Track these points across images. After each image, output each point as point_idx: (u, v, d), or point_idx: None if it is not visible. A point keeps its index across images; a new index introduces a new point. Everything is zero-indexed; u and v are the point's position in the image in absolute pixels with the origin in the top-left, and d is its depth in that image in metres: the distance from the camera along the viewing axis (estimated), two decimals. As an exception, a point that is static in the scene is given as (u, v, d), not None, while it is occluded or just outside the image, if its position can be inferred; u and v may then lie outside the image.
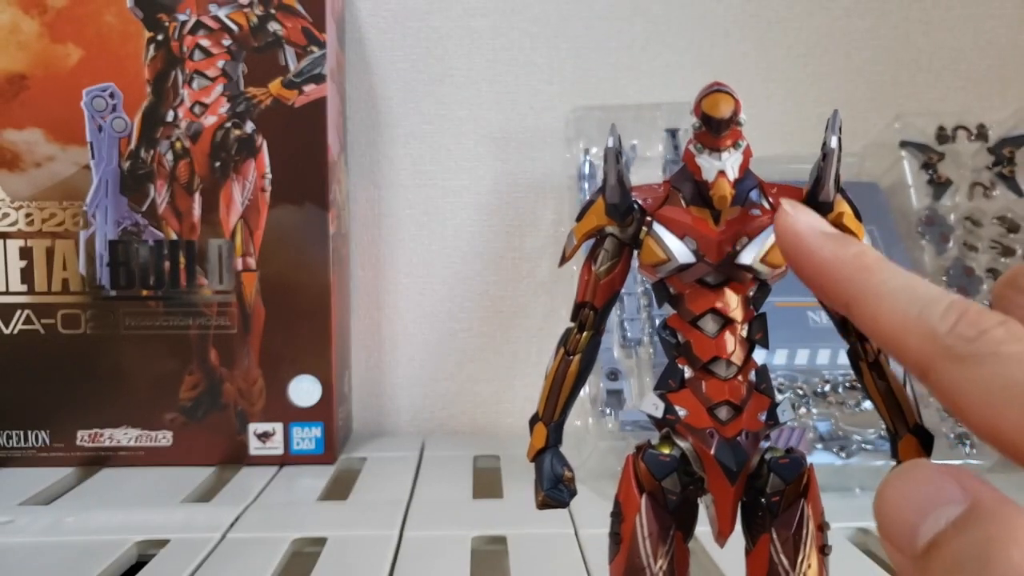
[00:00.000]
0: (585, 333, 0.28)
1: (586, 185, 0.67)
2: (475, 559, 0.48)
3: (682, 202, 0.27)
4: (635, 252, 0.28)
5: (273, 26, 0.63)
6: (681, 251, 0.26)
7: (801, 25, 0.78)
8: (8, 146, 0.63)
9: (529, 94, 0.78)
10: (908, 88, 0.80)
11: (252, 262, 0.64)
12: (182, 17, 0.63)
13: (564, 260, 0.29)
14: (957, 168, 0.71)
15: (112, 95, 0.63)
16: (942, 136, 0.72)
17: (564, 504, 0.28)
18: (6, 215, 0.63)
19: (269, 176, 0.64)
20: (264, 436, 0.65)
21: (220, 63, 0.63)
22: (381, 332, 0.78)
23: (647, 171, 0.66)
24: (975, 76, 0.80)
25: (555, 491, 0.28)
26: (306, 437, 0.65)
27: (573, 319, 0.29)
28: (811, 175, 0.26)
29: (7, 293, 0.63)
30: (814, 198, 0.26)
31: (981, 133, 0.71)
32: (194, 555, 0.47)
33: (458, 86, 0.77)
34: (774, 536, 0.26)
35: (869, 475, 0.57)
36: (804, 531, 0.25)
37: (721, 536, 0.26)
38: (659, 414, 0.27)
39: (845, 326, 0.27)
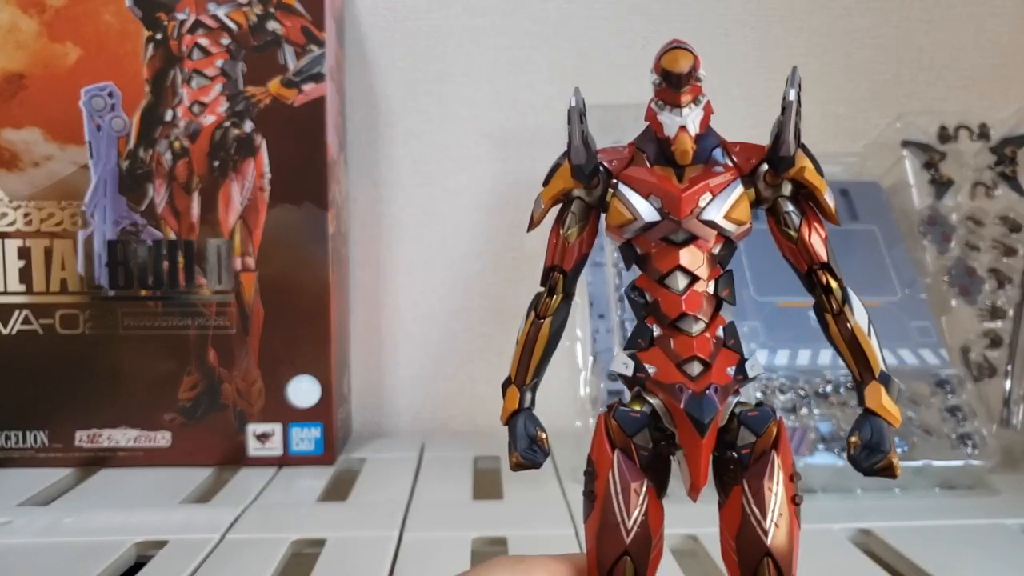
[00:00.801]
0: (555, 296, 0.29)
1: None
2: (475, 560, 0.47)
3: (646, 162, 0.28)
4: (602, 216, 0.28)
5: (272, 25, 0.63)
6: (647, 210, 0.27)
7: (802, 24, 0.78)
8: (6, 145, 0.63)
9: (529, 93, 0.77)
10: (910, 87, 0.80)
11: (251, 262, 0.64)
12: (181, 16, 0.63)
13: (532, 225, 0.29)
14: (959, 167, 0.71)
15: (111, 94, 0.62)
16: (944, 135, 0.72)
17: (538, 464, 0.28)
18: (4, 215, 0.63)
19: (268, 175, 0.63)
20: (263, 437, 0.65)
21: (219, 62, 0.63)
22: (381, 332, 0.78)
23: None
24: (977, 75, 0.80)
25: (529, 451, 0.28)
26: (305, 438, 0.65)
27: (543, 283, 0.29)
28: (772, 132, 0.27)
29: (5, 293, 0.63)
30: (775, 154, 0.26)
31: (983, 132, 0.71)
32: (193, 556, 0.47)
33: (458, 85, 0.77)
34: (746, 488, 0.26)
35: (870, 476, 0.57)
36: (775, 482, 0.26)
37: (694, 490, 0.27)
38: (629, 372, 0.27)
39: (809, 279, 0.28)
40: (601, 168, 0.28)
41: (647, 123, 0.28)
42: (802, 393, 0.60)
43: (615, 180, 0.28)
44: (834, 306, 0.27)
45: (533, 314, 0.29)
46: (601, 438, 0.27)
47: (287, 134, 0.63)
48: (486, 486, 0.63)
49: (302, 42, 0.63)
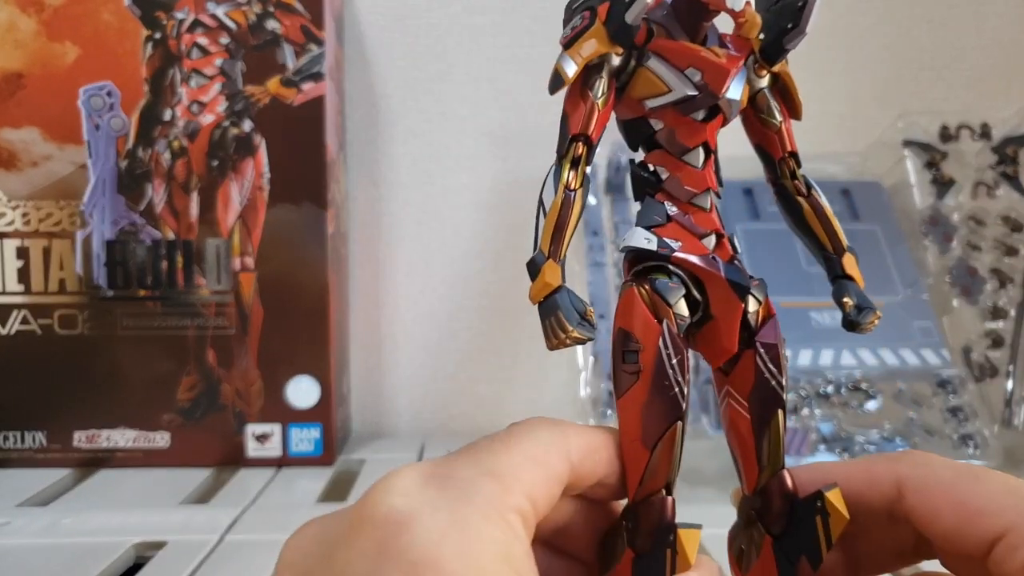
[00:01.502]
0: (581, 169, 0.28)
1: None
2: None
3: (667, 36, 0.27)
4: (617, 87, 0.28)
5: (271, 24, 0.63)
6: (682, 82, 0.27)
7: (803, 23, 0.78)
8: (5, 145, 0.62)
9: (530, 92, 0.77)
10: (911, 87, 0.79)
11: (250, 262, 0.64)
12: (180, 15, 0.62)
13: (561, 86, 0.27)
14: (960, 167, 0.71)
15: (110, 94, 0.62)
16: (945, 135, 0.71)
17: (593, 338, 0.27)
18: (3, 215, 0.63)
19: (267, 175, 0.63)
20: (262, 437, 0.65)
21: (218, 61, 0.63)
22: (380, 332, 0.78)
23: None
24: (979, 75, 0.79)
25: (583, 326, 0.26)
26: (304, 438, 0.65)
27: (563, 154, 0.28)
28: (767, 23, 0.27)
29: (4, 293, 0.63)
30: (780, 43, 0.27)
31: (985, 132, 0.71)
32: (192, 557, 0.47)
33: (458, 84, 0.77)
34: (759, 348, 0.27)
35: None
36: (780, 340, 0.27)
37: (725, 355, 0.27)
38: (653, 247, 0.27)
39: (779, 168, 0.29)
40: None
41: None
42: (803, 394, 0.60)
43: (641, 51, 0.27)
44: (803, 189, 0.29)
45: (563, 188, 0.27)
46: (639, 307, 0.27)
47: (286, 133, 0.63)
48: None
49: (301, 41, 0.63)
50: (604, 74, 0.27)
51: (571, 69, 0.27)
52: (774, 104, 0.29)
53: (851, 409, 0.59)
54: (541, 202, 0.28)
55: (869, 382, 0.61)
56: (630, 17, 0.26)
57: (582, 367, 0.62)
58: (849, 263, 0.29)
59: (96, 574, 0.45)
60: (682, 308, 0.27)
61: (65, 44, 0.62)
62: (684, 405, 0.26)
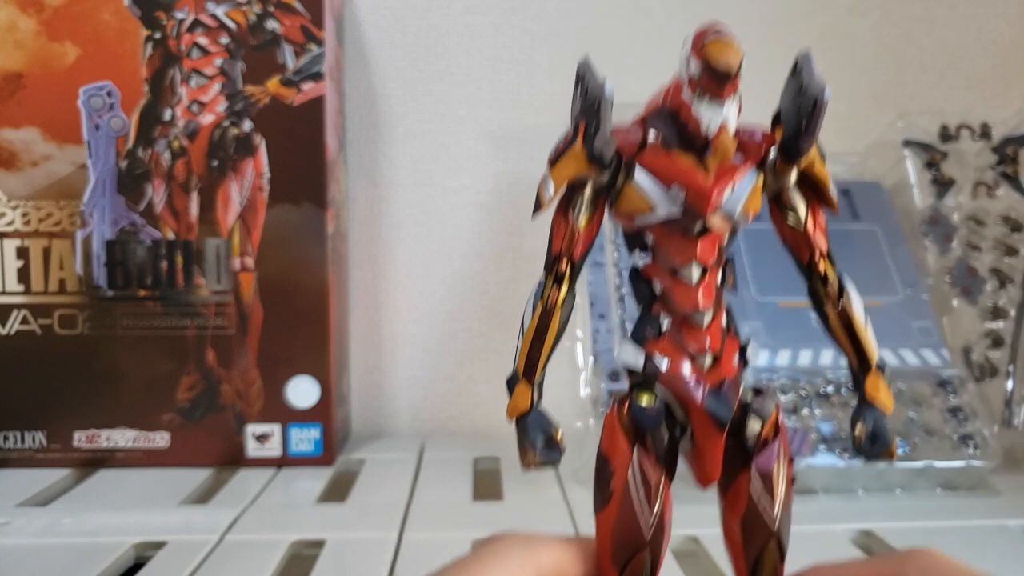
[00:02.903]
0: (563, 287, 0.27)
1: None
2: (475, 562, 0.47)
3: (663, 146, 0.26)
4: (608, 200, 0.27)
5: (271, 24, 0.63)
6: (667, 201, 0.26)
7: (803, 24, 0.78)
8: (5, 145, 0.62)
9: (530, 92, 0.77)
10: (911, 87, 0.79)
11: (250, 262, 0.64)
12: (180, 15, 0.62)
13: (540, 209, 0.27)
14: (960, 167, 0.71)
15: (110, 94, 0.62)
16: (945, 135, 0.71)
17: (555, 464, 0.27)
18: (3, 215, 0.63)
19: (267, 175, 0.63)
20: (262, 437, 0.65)
21: (218, 61, 0.63)
22: (380, 332, 0.78)
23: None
24: (979, 75, 0.79)
25: (546, 451, 0.27)
26: (304, 438, 0.65)
27: (548, 271, 0.27)
28: (787, 122, 0.26)
29: (4, 293, 0.63)
30: (795, 147, 0.25)
31: (984, 132, 0.71)
32: (192, 557, 0.47)
33: (458, 84, 0.77)
34: (755, 474, 0.26)
35: (872, 477, 0.57)
36: (779, 467, 0.26)
37: (708, 481, 0.27)
38: (640, 364, 0.27)
39: (809, 269, 0.27)
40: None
41: (657, 104, 0.27)
42: (803, 394, 0.60)
43: (630, 164, 0.26)
44: (832, 295, 0.27)
45: (542, 305, 0.27)
46: (615, 433, 0.27)
47: (286, 133, 0.63)
48: (486, 487, 0.63)
49: (301, 41, 0.63)
50: (587, 193, 0.27)
51: (548, 192, 0.27)
52: (800, 204, 0.27)
53: (851, 409, 0.59)
54: (523, 320, 0.28)
55: (869, 382, 0.61)
56: (596, 147, 0.26)
57: (582, 367, 0.62)
58: (873, 385, 0.27)
59: (96, 574, 0.45)
60: (660, 434, 0.26)
61: (65, 44, 0.62)
62: (649, 535, 0.26)
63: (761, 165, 0.26)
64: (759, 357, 0.28)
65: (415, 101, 0.77)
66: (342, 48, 0.73)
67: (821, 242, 0.27)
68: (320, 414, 0.65)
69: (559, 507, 0.55)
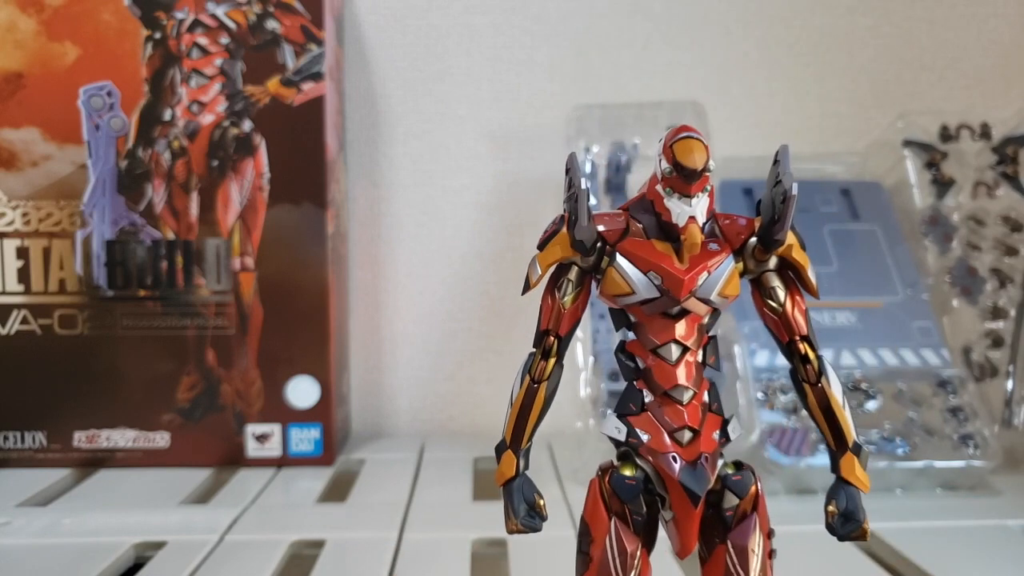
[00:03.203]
0: (551, 360, 0.29)
1: (587, 184, 0.67)
2: (475, 562, 0.47)
3: (644, 234, 0.28)
4: (596, 278, 0.29)
5: (271, 24, 0.63)
6: (645, 285, 0.28)
7: (804, 23, 0.78)
8: (5, 145, 0.62)
9: (530, 92, 0.77)
10: (911, 87, 0.79)
11: (250, 262, 0.64)
12: (180, 15, 0.62)
13: (528, 289, 0.29)
14: (960, 167, 0.71)
15: (109, 94, 0.62)
16: (945, 135, 0.71)
17: (536, 530, 0.29)
18: (3, 215, 0.63)
19: (267, 175, 0.63)
20: (262, 438, 0.65)
21: (218, 61, 0.63)
22: (380, 332, 0.78)
23: (649, 170, 0.65)
24: (979, 75, 0.79)
25: (528, 518, 0.28)
26: (304, 438, 0.65)
27: (536, 345, 0.29)
28: (764, 212, 0.27)
29: (4, 293, 0.63)
30: (769, 235, 0.27)
31: (984, 132, 0.71)
32: (192, 557, 0.47)
33: (458, 84, 0.77)
34: (730, 548, 0.27)
35: (872, 477, 0.57)
36: (755, 542, 0.27)
37: (684, 552, 0.28)
38: (622, 437, 0.28)
39: (789, 349, 0.29)
40: (596, 234, 0.28)
41: (641, 194, 0.28)
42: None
43: (611, 249, 0.28)
44: (811, 377, 0.29)
45: (528, 378, 0.29)
46: (596, 502, 0.28)
47: (286, 133, 0.63)
48: (486, 487, 0.63)
49: (301, 41, 0.63)
50: (573, 275, 0.29)
51: (535, 275, 0.29)
52: (778, 287, 0.29)
53: (851, 409, 0.59)
54: (512, 390, 0.29)
55: (869, 382, 0.61)
56: (577, 235, 0.28)
57: (582, 367, 0.62)
58: (848, 466, 0.28)
59: (96, 574, 0.45)
60: (638, 505, 0.28)
61: (65, 44, 0.62)
62: None
63: (740, 251, 0.28)
64: (738, 429, 0.29)
65: (415, 101, 0.77)
66: (342, 48, 0.73)
67: (800, 325, 0.29)
68: (320, 414, 0.65)
69: (559, 507, 0.55)
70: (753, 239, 0.28)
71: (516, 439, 0.29)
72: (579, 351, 0.63)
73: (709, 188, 0.27)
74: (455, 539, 0.50)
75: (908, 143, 0.71)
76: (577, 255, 0.28)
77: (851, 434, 0.28)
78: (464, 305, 0.78)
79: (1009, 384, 0.66)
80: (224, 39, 0.63)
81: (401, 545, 0.49)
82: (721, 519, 0.28)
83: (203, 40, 0.63)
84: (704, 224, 0.28)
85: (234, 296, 0.64)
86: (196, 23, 0.63)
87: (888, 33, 0.79)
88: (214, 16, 0.63)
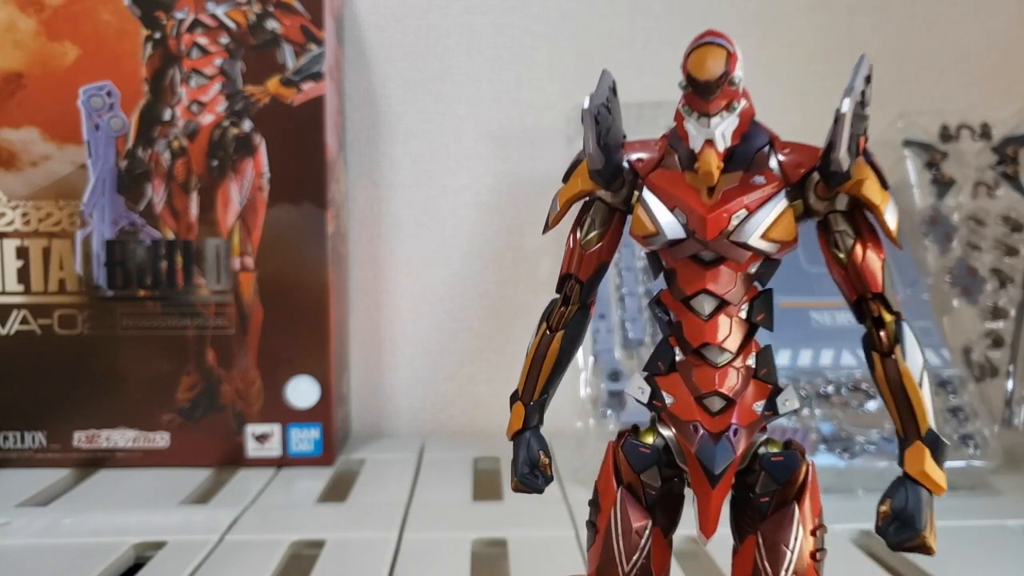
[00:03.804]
0: (570, 307, 0.26)
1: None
2: (475, 562, 0.47)
3: (678, 165, 0.24)
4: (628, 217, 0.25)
5: (271, 24, 0.63)
6: (671, 225, 0.24)
7: (804, 23, 0.78)
8: (5, 145, 0.62)
9: (530, 92, 0.77)
10: (911, 86, 0.79)
11: (250, 262, 0.64)
12: (180, 15, 0.62)
13: (547, 228, 0.26)
14: (961, 167, 0.71)
15: (109, 93, 0.62)
16: (945, 135, 0.71)
17: (539, 490, 0.26)
18: (2, 215, 0.63)
19: (267, 175, 0.63)
20: (262, 438, 0.65)
21: (218, 61, 0.63)
22: (380, 332, 0.78)
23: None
24: (979, 74, 0.79)
25: (529, 476, 0.26)
26: (304, 438, 0.65)
27: (558, 291, 0.26)
28: (826, 140, 0.23)
29: (3, 293, 0.63)
30: (826, 167, 0.23)
31: (985, 132, 0.71)
32: (192, 557, 0.47)
33: (458, 84, 0.77)
34: (760, 540, 0.23)
35: (872, 477, 0.57)
36: (793, 537, 0.23)
37: (706, 533, 0.25)
38: (645, 399, 0.25)
39: (860, 309, 0.24)
40: (627, 165, 0.25)
41: (675, 122, 0.24)
42: (803, 394, 0.60)
43: (642, 183, 0.24)
44: (884, 344, 0.24)
45: (544, 326, 0.26)
46: (608, 470, 0.25)
47: (286, 133, 0.63)
48: (486, 487, 0.63)
49: (301, 41, 0.63)
50: (597, 212, 0.25)
51: (554, 211, 0.26)
52: (846, 232, 0.24)
53: (851, 409, 0.59)
54: (530, 339, 0.27)
55: (869, 382, 0.61)
56: (589, 164, 0.24)
57: (582, 367, 0.62)
58: (915, 459, 0.23)
59: (96, 574, 0.45)
60: (651, 476, 0.24)
61: (65, 44, 0.62)
62: None
63: (800, 185, 0.24)
64: (794, 403, 0.24)
65: (415, 101, 0.77)
66: (342, 48, 0.73)
67: (873, 279, 0.24)
68: (320, 414, 0.65)
69: (559, 507, 0.55)
70: (815, 174, 0.23)
71: (528, 391, 0.26)
72: (579, 350, 0.63)
73: (739, 107, 0.23)
74: (455, 539, 0.50)
75: (908, 143, 0.71)
76: (599, 187, 0.25)
77: (927, 420, 0.23)
78: (464, 305, 0.78)
79: (1009, 384, 0.66)
80: (224, 39, 0.63)
81: (401, 545, 0.49)
82: (756, 506, 0.24)
83: (203, 40, 0.63)
84: (756, 151, 0.23)
85: (234, 296, 0.64)
86: (196, 23, 0.63)
87: (888, 32, 0.79)
88: (214, 16, 0.63)
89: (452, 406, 0.79)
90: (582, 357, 0.62)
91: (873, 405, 0.60)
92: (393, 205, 0.78)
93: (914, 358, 0.23)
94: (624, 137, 0.25)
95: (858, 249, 0.24)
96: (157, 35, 0.62)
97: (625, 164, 0.25)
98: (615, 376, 0.60)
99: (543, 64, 0.77)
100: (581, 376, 0.62)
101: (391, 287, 0.78)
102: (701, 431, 0.23)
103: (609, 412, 0.59)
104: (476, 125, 0.77)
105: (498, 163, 0.77)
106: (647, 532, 0.24)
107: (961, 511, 0.54)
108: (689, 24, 0.80)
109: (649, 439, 0.25)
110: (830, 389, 0.60)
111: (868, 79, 0.23)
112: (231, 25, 0.63)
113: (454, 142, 0.77)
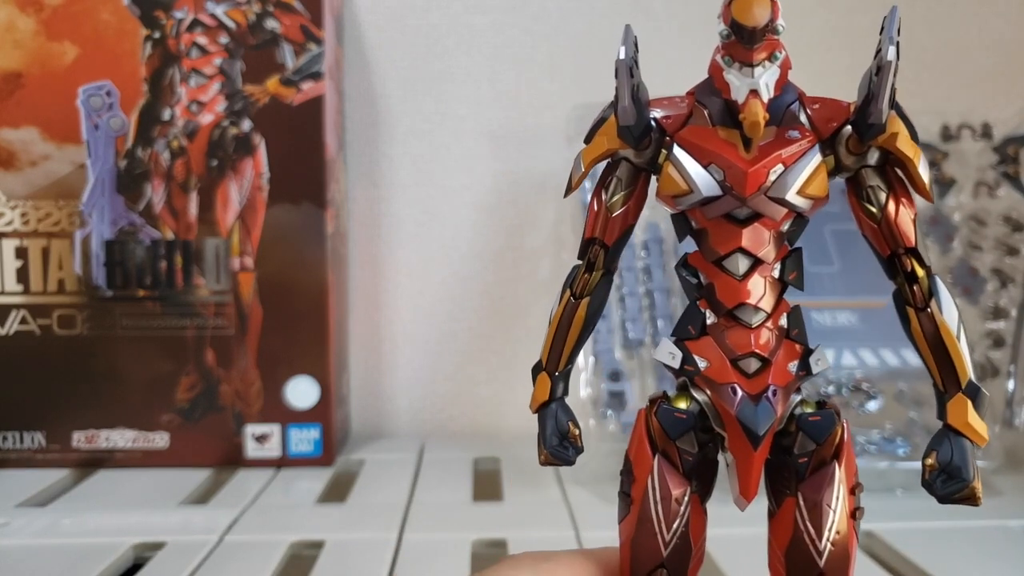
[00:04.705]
0: (594, 273, 0.25)
1: (587, 184, 0.67)
2: (475, 562, 0.47)
3: (708, 120, 0.24)
4: (653, 178, 0.25)
5: (271, 23, 0.63)
6: (706, 182, 0.23)
7: (803, 23, 0.78)
8: (4, 145, 0.62)
9: (529, 92, 0.77)
10: (912, 86, 0.79)
11: (249, 262, 0.63)
12: (179, 14, 0.62)
13: (570, 189, 0.25)
14: (961, 167, 0.70)
15: (109, 93, 0.62)
16: (946, 135, 0.71)
17: (570, 462, 0.25)
18: (2, 215, 0.63)
19: (266, 175, 0.63)
20: (261, 438, 0.64)
21: (217, 61, 0.63)
22: (380, 333, 0.78)
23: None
24: (980, 74, 0.79)
25: (559, 448, 0.25)
26: (304, 439, 0.65)
27: (581, 257, 0.26)
28: (860, 91, 0.23)
29: (3, 294, 0.63)
30: (863, 119, 0.23)
31: (985, 132, 0.71)
32: (191, 558, 0.47)
33: (458, 84, 0.77)
34: (800, 501, 0.23)
35: (873, 477, 0.57)
36: (834, 496, 0.23)
37: (743, 499, 0.24)
38: (676, 364, 0.24)
39: (891, 265, 0.24)
40: (653, 124, 0.24)
41: (709, 75, 0.24)
42: (804, 394, 0.59)
43: (670, 140, 0.24)
44: (918, 298, 0.23)
45: (568, 292, 0.25)
46: (641, 438, 0.24)
47: (286, 133, 0.63)
48: (486, 488, 0.62)
49: (301, 40, 0.63)
50: (623, 172, 0.25)
51: (577, 172, 0.25)
52: (879, 187, 0.23)
53: (852, 409, 0.59)
54: (551, 309, 0.26)
55: (870, 382, 0.61)
56: (621, 121, 0.23)
57: (582, 367, 0.62)
58: (958, 411, 0.23)
59: (95, 575, 0.45)
60: (688, 443, 0.24)
61: (64, 44, 0.62)
62: (667, 553, 0.23)
63: (832, 142, 0.23)
64: (825, 362, 0.24)
65: (415, 101, 0.77)
66: (342, 48, 0.73)
67: (906, 233, 0.23)
68: (320, 414, 0.65)
69: (559, 507, 0.55)
70: (848, 129, 0.23)
71: (553, 361, 0.25)
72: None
73: (780, 57, 0.23)
74: (455, 539, 0.50)
75: (909, 143, 0.71)
76: (626, 146, 0.24)
77: (967, 371, 0.23)
78: (464, 305, 0.78)
79: (1010, 384, 0.66)
80: (223, 38, 0.63)
81: (401, 545, 0.49)
82: (793, 467, 0.23)
83: (202, 39, 0.63)
84: (788, 107, 0.23)
85: (233, 296, 0.64)
86: (195, 22, 0.63)
87: (888, 33, 0.79)
88: (213, 15, 0.63)
89: (452, 406, 0.78)
90: (582, 357, 0.62)
91: (874, 405, 0.60)
92: (393, 205, 0.77)
93: (950, 311, 0.23)
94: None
95: (891, 204, 0.23)
96: (156, 35, 0.62)
97: (652, 122, 0.24)
98: (615, 376, 0.60)
99: (543, 64, 0.77)
100: (581, 376, 0.62)
101: (391, 287, 0.78)
102: (740, 393, 0.23)
103: (609, 412, 0.59)
104: (476, 125, 0.77)
105: (498, 163, 0.77)
106: (686, 499, 0.24)
107: (961, 511, 0.54)
108: (689, 24, 0.80)
109: (682, 404, 0.24)
110: (831, 389, 0.60)
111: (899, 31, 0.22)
112: (230, 25, 0.63)
113: (454, 142, 0.77)
